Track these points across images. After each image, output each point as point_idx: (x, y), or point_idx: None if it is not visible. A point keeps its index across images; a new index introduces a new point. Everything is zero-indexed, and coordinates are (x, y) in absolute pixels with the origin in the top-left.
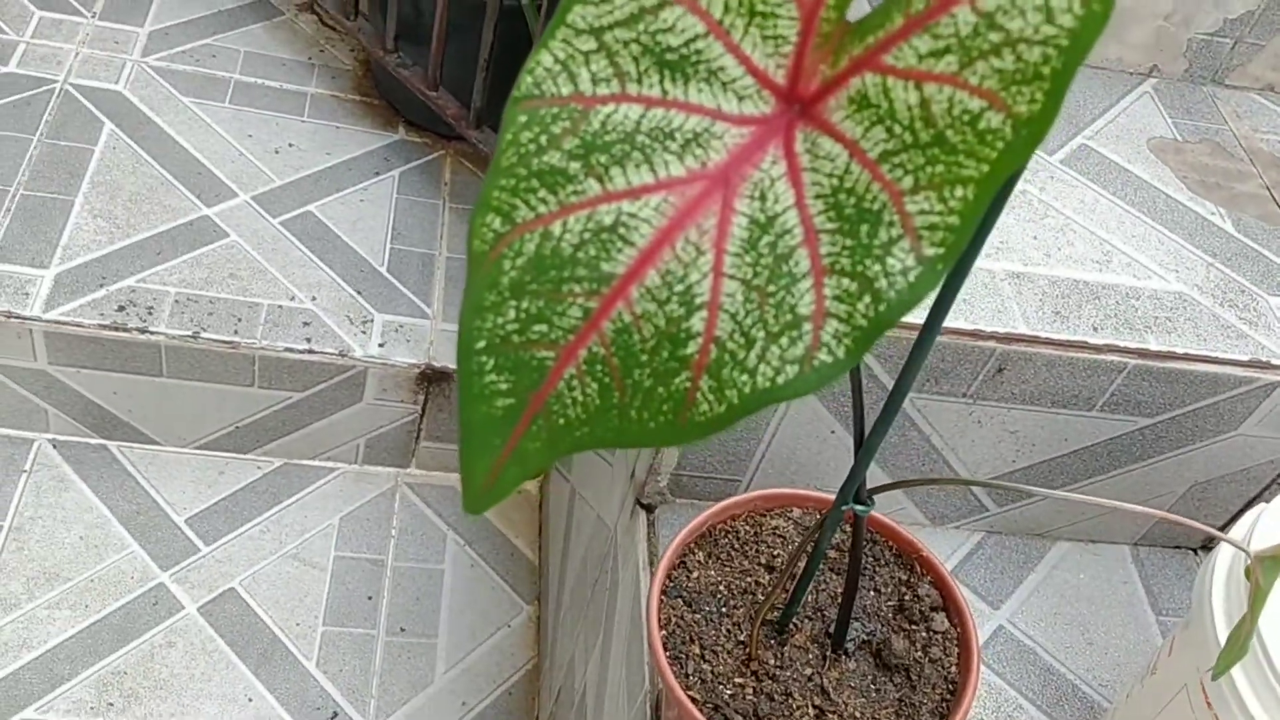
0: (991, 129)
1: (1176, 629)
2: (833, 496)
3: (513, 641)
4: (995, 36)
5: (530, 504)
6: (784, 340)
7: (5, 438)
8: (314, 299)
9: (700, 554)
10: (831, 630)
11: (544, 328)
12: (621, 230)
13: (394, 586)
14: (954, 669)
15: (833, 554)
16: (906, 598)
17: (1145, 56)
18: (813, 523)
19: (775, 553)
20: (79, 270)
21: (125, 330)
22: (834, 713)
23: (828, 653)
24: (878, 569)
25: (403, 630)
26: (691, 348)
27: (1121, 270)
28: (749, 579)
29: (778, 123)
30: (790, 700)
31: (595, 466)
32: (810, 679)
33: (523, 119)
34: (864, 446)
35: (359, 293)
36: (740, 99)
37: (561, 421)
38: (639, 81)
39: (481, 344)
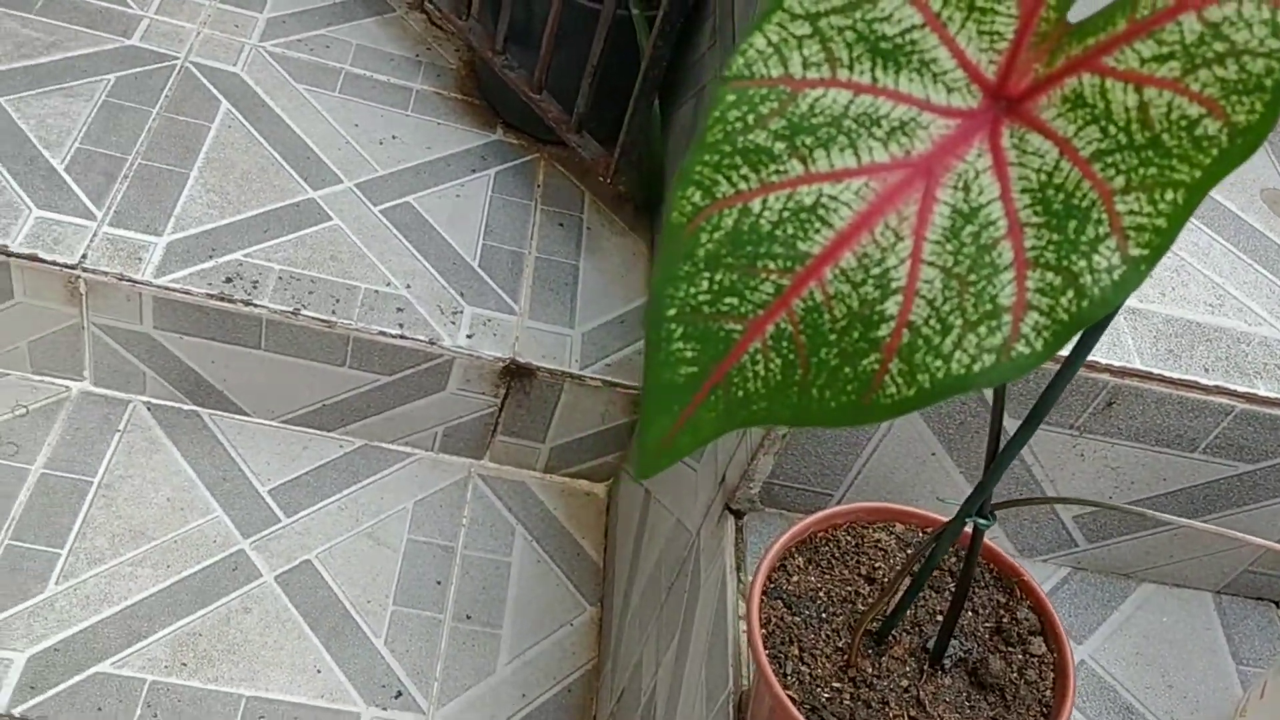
0: (1208, 135)
1: (1270, 672)
2: (939, 516)
3: (574, 640)
4: (1220, 46)
5: (598, 507)
6: (982, 329)
7: (103, 397)
8: (408, 287)
9: (800, 559)
10: (930, 645)
11: (735, 301)
12: (821, 211)
13: (462, 574)
14: (1049, 693)
15: (934, 571)
16: (1005, 620)
17: None
18: (916, 539)
19: (876, 565)
20: (190, 240)
21: (231, 301)
22: None
23: (925, 667)
24: (977, 590)
25: (468, 618)
26: (884, 330)
27: (1234, 314)
28: (848, 588)
29: (984, 117)
30: (887, 709)
31: (676, 472)
32: (907, 690)
33: (731, 98)
34: (997, 460)
35: (451, 284)
36: (949, 91)
37: (740, 394)
38: (850, 68)
39: (672, 311)
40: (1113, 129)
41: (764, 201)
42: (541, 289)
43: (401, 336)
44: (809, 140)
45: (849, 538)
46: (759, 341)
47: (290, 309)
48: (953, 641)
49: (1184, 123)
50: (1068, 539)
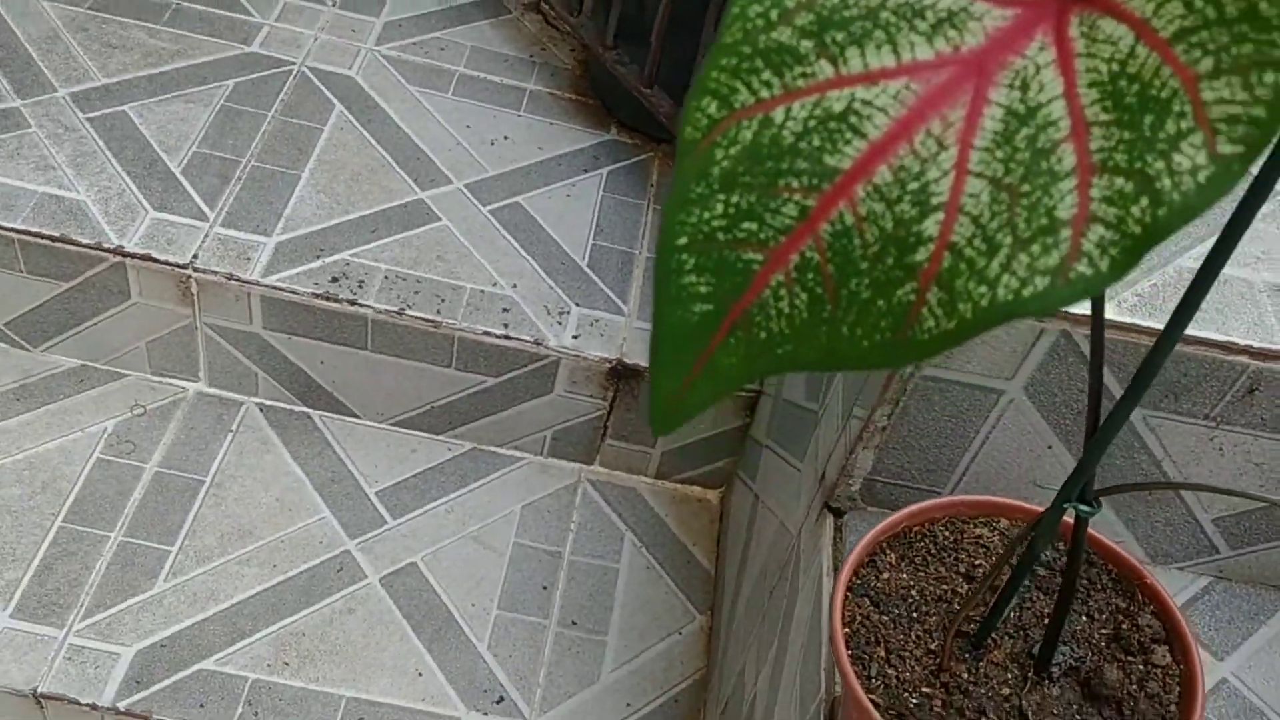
0: None
1: None
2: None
3: (683, 649)
4: None
5: (711, 513)
6: (1035, 247)
7: (217, 398)
8: (514, 286)
9: (893, 555)
10: (1035, 651)
11: (754, 226)
12: (853, 119)
13: (569, 579)
14: (1173, 708)
15: (1041, 572)
16: (1124, 627)
17: None
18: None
19: (976, 563)
20: (298, 240)
21: (336, 300)
22: None
23: (1029, 674)
24: (1093, 593)
25: (574, 624)
26: (921, 254)
27: None
28: (944, 587)
29: (1048, 5)
30: (983, 718)
31: (782, 473)
32: (1007, 699)
33: None
34: (1095, 438)
35: (558, 285)
36: None
37: (763, 335)
38: None
39: (683, 240)
40: (1199, 2)
41: (787, 110)
42: (651, 289)
43: (506, 336)
44: (841, 36)
45: (947, 533)
46: (781, 273)
47: (395, 308)
48: (1063, 648)
49: None
50: (1208, 545)
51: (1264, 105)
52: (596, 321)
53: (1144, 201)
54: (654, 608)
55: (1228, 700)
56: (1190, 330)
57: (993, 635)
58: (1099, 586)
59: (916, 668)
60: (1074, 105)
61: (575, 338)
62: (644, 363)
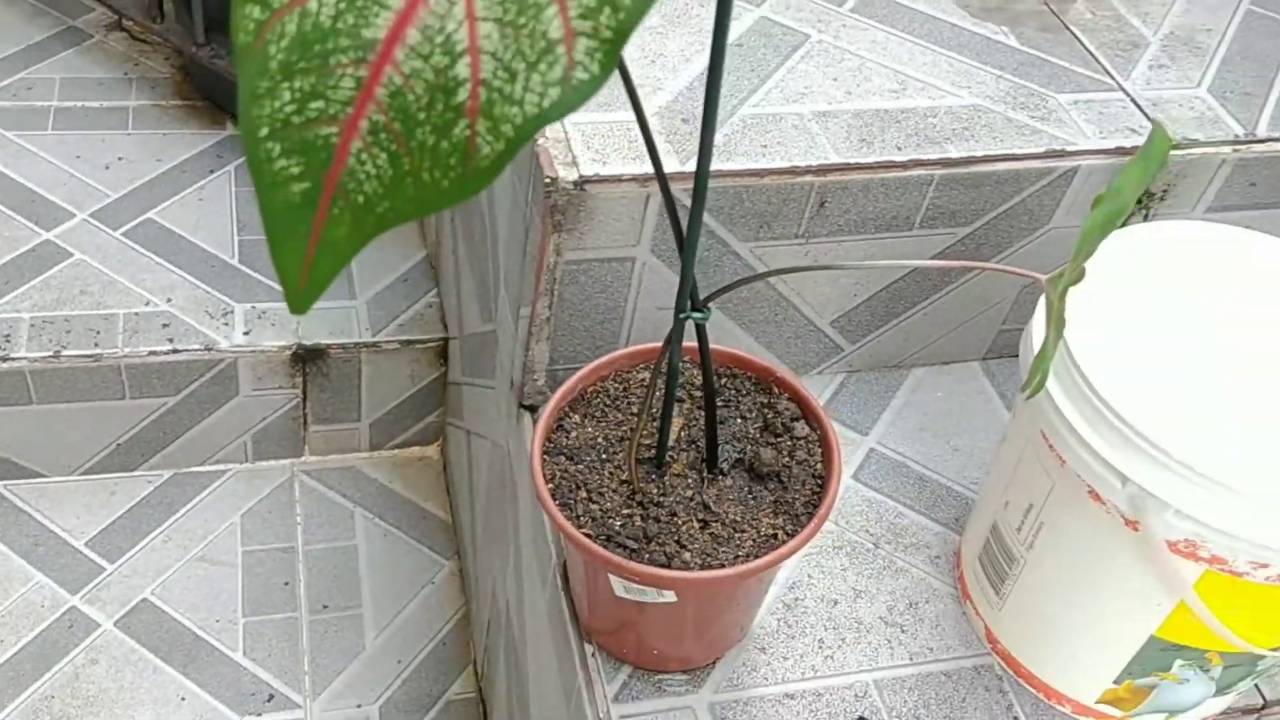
0: None
1: (1017, 396)
2: (690, 343)
3: (439, 596)
4: None
5: (434, 467)
6: (542, 66)
7: None
8: (169, 300)
9: (576, 415)
10: (705, 456)
11: (321, 104)
12: None
13: (309, 569)
14: (819, 465)
15: (697, 394)
16: (769, 415)
17: None
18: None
19: (644, 400)
20: None
21: None
22: (717, 521)
23: (704, 475)
24: (740, 398)
25: (325, 607)
26: (462, 95)
27: (918, 95)
28: (623, 428)
29: None
30: (676, 519)
31: (482, 399)
32: (692, 499)
33: None
34: (685, 252)
35: (214, 288)
36: None
37: (360, 199)
38: None
39: (264, 131)
40: None
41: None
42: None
43: (174, 350)
44: None
45: (617, 384)
46: (358, 140)
47: (50, 352)
48: (726, 447)
49: None
50: (833, 346)
51: None
52: (264, 313)
53: (606, 11)
54: (401, 569)
55: (879, 464)
56: (763, 164)
57: (669, 454)
58: (744, 391)
59: (615, 498)
60: None
61: (246, 334)
62: (324, 340)
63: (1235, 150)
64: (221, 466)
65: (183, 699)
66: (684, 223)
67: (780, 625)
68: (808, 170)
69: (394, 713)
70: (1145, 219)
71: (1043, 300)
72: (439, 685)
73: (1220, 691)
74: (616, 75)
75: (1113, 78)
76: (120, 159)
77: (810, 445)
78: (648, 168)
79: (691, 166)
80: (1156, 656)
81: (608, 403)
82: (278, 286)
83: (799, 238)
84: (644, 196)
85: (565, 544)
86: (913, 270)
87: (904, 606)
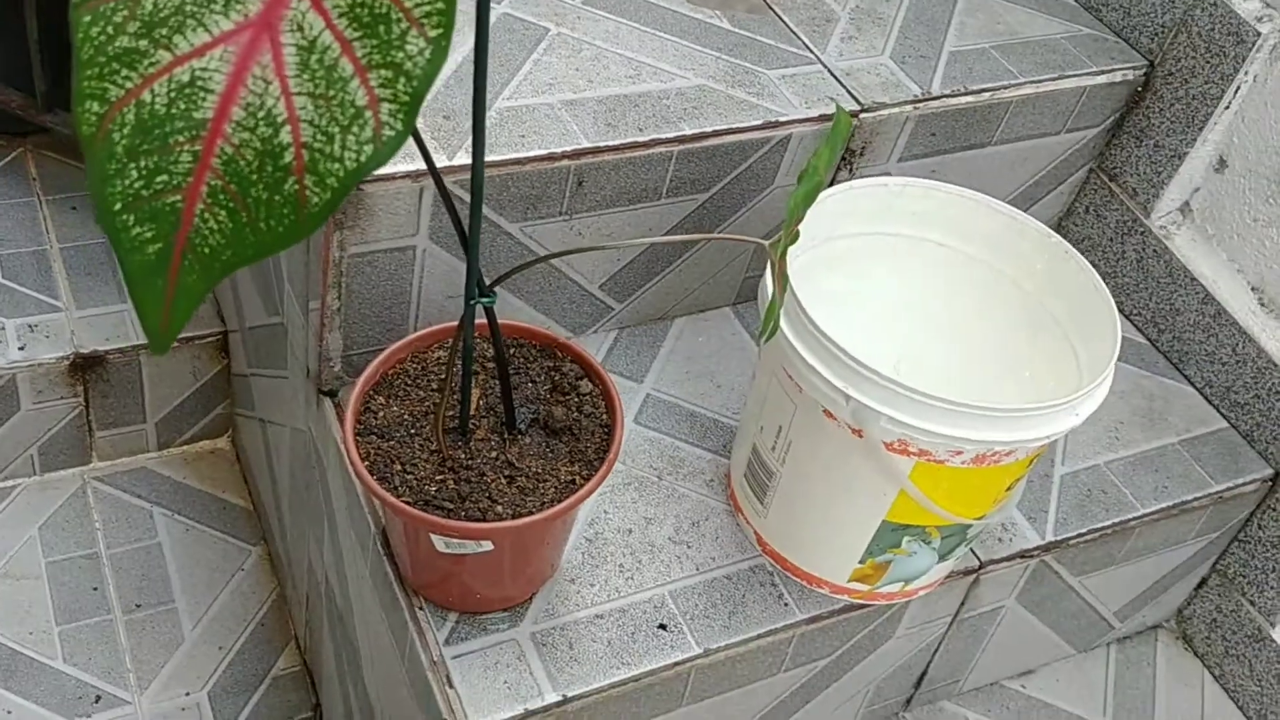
0: None
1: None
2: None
3: (251, 581)
4: None
5: (227, 459)
6: (355, 128)
7: None
8: None
9: (380, 397)
10: (504, 420)
11: (165, 178)
12: (200, 83)
13: (116, 572)
14: (605, 416)
15: (490, 366)
16: (556, 377)
17: None
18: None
19: (443, 378)
20: None
21: None
22: (521, 475)
23: (506, 437)
24: (529, 365)
25: (138, 606)
26: (288, 157)
27: (651, 79)
28: (426, 404)
29: None
30: (485, 478)
31: (275, 388)
32: (497, 459)
33: (87, 19)
34: (470, 252)
35: None
36: None
37: (207, 251)
38: None
39: (118, 205)
40: None
41: (152, 91)
42: (80, 276)
43: None
44: (165, 31)
45: (415, 365)
46: (201, 203)
47: None
48: (521, 410)
49: None
50: (604, 307)
51: (444, 2)
52: (36, 326)
53: (402, 81)
54: (208, 560)
55: (655, 406)
56: (524, 153)
57: (471, 422)
58: (531, 358)
59: (427, 467)
60: (335, 31)
61: (21, 348)
62: (101, 346)
63: (915, 108)
64: (11, 482)
65: (9, 712)
66: (462, 216)
67: (585, 558)
68: (564, 155)
69: (222, 696)
70: (851, 174)
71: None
72: (263, 664)
73: (942, 558)
74: None
75: (812, 51)
76: None
77: (595, 400)
78: (419, 165)
79: (460, 160)
80: (889, 536)
81: (409, 382)
82: (47, 299)
83: (563, 215)
84: (418, 190)
85: (386, 513)
86: (667, 234)
87: (688, 526)
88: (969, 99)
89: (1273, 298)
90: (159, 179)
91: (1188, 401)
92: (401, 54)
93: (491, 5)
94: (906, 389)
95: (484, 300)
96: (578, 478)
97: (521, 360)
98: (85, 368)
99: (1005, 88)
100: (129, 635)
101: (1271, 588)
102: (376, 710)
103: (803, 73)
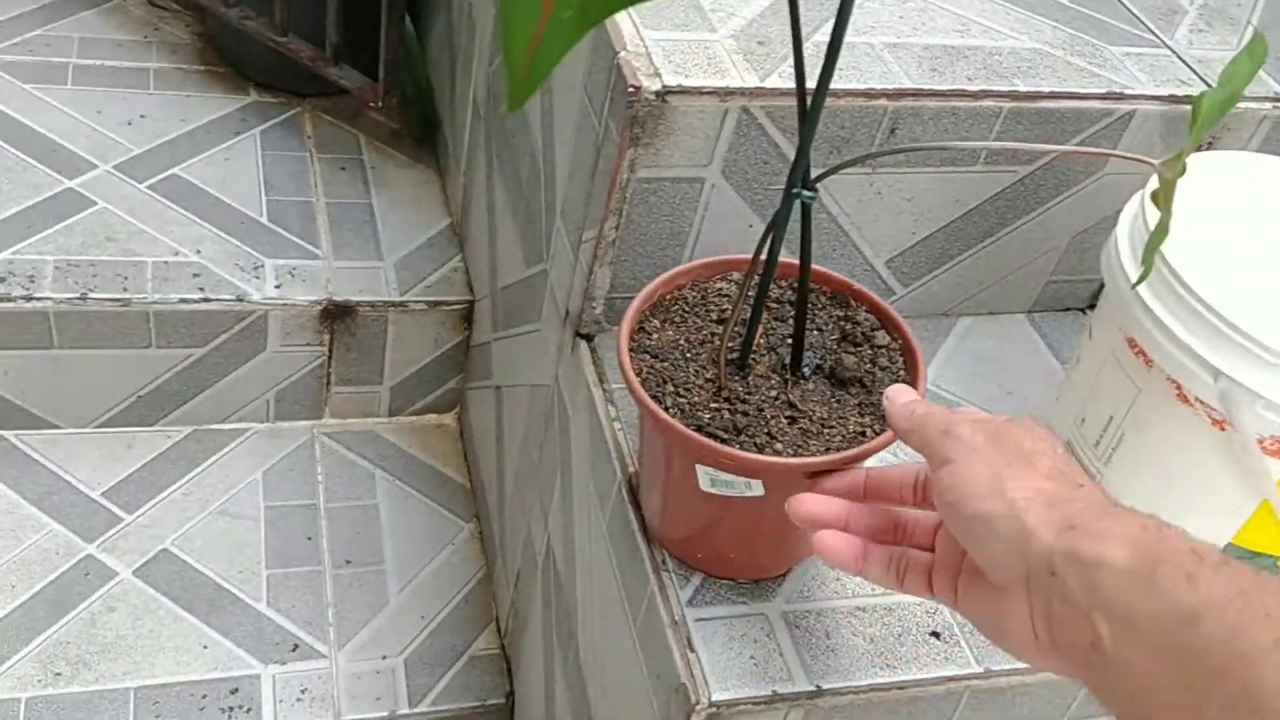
0: None
1: (1091, 317)
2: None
3: (460, 556)
4: None
5: (451, 435)
6: None
7: None
8: (199, 252)
9: (656, 320)
10: (787, 362)
11: None
12: None
13: (331, 525)
14: (902, 372)
15: (773, 306)
16: (848, 327)
17: None
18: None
19: (724, 309)
20: None
21: (10, 300)
22: (804, 418)
23: (788, 377)
24: (816, 312)
25: (348, 563)
26: None
27: (981, 36)
28: (704, 332)
29: None
30: (764, 414)
31: (522, 347)
32: (777, 398)
33: None
34: (805, 128)
35: (244, 243)
36: None
37: None
38: None
39: None
40: None
41: None
42: (341, 230)
43: (205, 300)
44: None
45: (694, 293)
46: None
47: (77, 294)
48: (807, 354)
49: None
50: (886, 289)
51: None
52: (295, 269)
53: None
54: (421, 529)
55: (934, 401)
56: (836, 85)
57: (752, 357)
58: (820, 306)
59: (702, 394)
60: None
61: (278, 287)
62: (354, 296)
63: (1275, 107)
64: (242, 425)
65: (205, 647)
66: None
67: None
68: (882, 94)
69: (419, 665)
70: None
71: (1127, 207)
72: (463, 640)
73: None
74: None
75: (1158, 36)
76: (142, 116)
77: (891, 353)
78: (728, 82)
79: (772, 84)
80: None
81: (686, 309)
82: (308, 245)
83: (865, 167)
84: (721, 112)
85: (646, 446)
86: (971, 210)
87: None
88: None
89: None
90: None
91: None
92: None
93: None
94: None
95: (805, 195)
96: (869, 430)
97: (809, 307)
98: (335, 316)
99: None
100: (335, 589)
101: None
102: (590, 680)
103: (1149, 54)
